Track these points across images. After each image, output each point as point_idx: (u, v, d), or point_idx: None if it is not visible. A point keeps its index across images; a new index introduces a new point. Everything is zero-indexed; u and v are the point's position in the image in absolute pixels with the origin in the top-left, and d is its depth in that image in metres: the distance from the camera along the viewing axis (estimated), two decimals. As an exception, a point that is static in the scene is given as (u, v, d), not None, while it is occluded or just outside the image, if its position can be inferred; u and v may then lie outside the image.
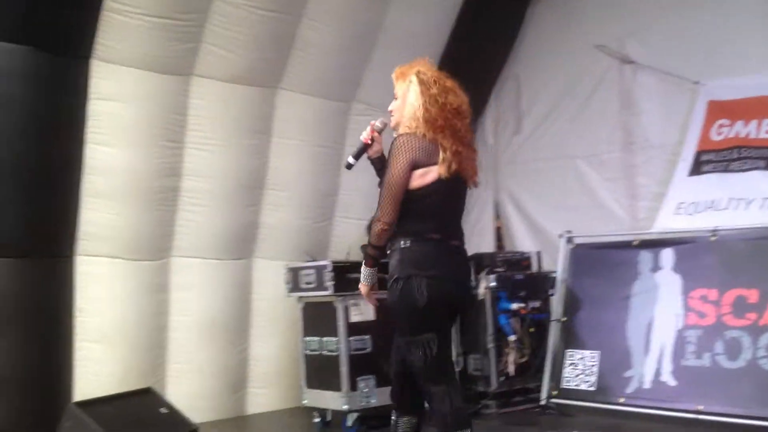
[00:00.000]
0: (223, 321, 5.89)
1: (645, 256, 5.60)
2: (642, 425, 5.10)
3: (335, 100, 6.47)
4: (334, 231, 6.51)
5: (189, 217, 5.73)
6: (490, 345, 5.76)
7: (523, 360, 5.85)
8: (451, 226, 3.38)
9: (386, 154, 3.34)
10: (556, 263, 6.08)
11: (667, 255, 5.49)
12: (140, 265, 5.55)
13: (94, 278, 5.39)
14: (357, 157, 3.43)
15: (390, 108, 3.40)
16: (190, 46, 5.53)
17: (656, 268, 5.53)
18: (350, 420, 5.20)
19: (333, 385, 5.16)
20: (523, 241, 7.17)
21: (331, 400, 5.26)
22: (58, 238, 5.34)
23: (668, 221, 6.04)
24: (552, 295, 6.06)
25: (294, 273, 5.57)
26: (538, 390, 5.80)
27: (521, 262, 6.25)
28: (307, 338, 5.31)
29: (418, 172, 3.21)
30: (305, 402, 5.34)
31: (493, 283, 5.83)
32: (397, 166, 3.19)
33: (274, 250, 6.13)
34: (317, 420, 5.40)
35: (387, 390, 5.13)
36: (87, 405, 4.37)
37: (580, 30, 6.90)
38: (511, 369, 5.78)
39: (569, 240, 6.05)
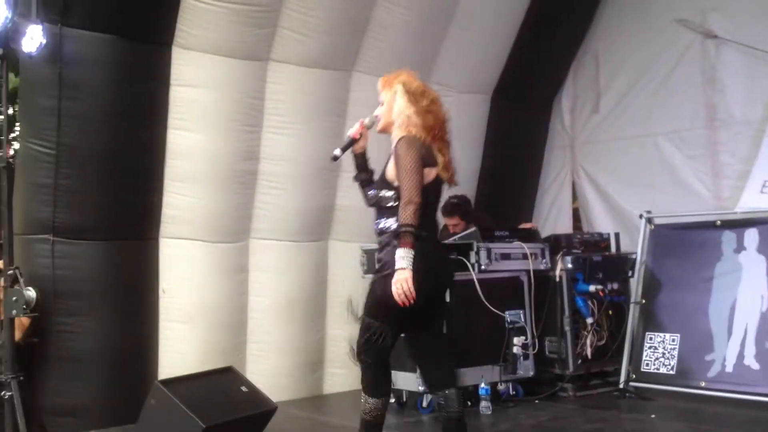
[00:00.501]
0: (300, 302, 5.99)
1: (728, 237, 5.46)
2: (723, 410, 5.00)
3: (410, 81, 6.46)
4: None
5: (267, 199, 5.84)
6: (567, 327, 5.71)
7: (601, 343, 5.79)
8: (435, 224, 3.74)
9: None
10: (636, 244, 5.97)
11: (752, 235, 5.34)
12: (220, 247, 5.69)
13: (177, 260, 5.57)
14: (344, 150, 3.70)
15: (376, 113, 3.66)
16: (266, 31, 5.61)
17: (740, 248, 5.38)
18: (425, 401, 5.24)
19: (408, 366, 5.19)
20: (601, 222, 7.07)
21: (406, 381, 5.30)
22: (143, 222, 5.53)
23: (753, 200, 5.87)
24: (631, 276, 5.96)
25: (369, 255, 5.61)
26: (617, 373, 5.74)
27: (599, 243, 6.16)
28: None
29: (424, 170, 3.45)
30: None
31: (570, 265, 5.76)
32: (411, 156, 3.41)
33: (349, 232, 6.20)
34: (393, 400, 5.45)
35: (463, 371, 5.26)
36: (170, 383, 4.49)
37: (661, 4, 6.73)
38: (588, 352, 5.72)
39: (649, 220, 5.94)
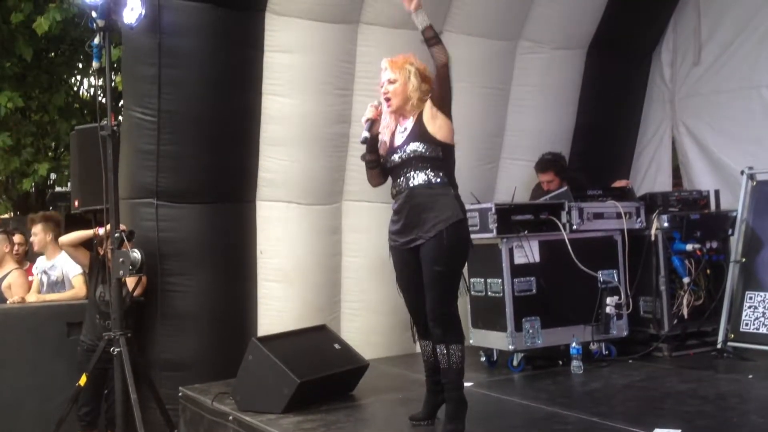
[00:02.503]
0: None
1: (835, 193, 5.21)
2: (826, 371, 4.83)
3: (501, 39, 6.39)
4: (500, 173, 6.51)
5: (359, 162, 5.88)
6: (663, 287, 5.60)
7: (699, 302, 5.65)
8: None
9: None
10: (737, 201, 5.78)
11: None
12: (314, 209, 5.83)
13: (273, 222, 5.74)
14: (369, 132, 3.93)
15: (387, 92, 3.90)
16: (356, -6, 5.65)
17: None
18: (515, 360, 5.28)
19: (498, 325, 5.23)
20: (702, 179, 6.84)
21: (497, 340, 5.34)
22: (240, 185, 5.72)
23: None
24: (731, 235, 5.78)
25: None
26: (715, 333, 5.60)
27: (698, 201, 5.97)
28: (473, 279, 5.39)
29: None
30: (471, 341, 5.45)
31: (666, 224, 5.63)
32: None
33: (440, 193, 6.22)
34: (483, 359, 5.51)
35: (553, 331, 5.28)
36: (267, 340, 4.68)
37: (767, -52, 6.37)
38: (685, 312, 5.60)
39: (751, 176, 5.73)
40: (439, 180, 3.78)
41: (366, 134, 3.89)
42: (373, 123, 3.93)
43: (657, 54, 7.28)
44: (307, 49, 5.68)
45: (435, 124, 3.82)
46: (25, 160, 10.58)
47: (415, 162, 3.79)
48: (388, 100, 3.89)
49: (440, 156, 3.81)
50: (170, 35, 5.36)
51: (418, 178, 3.78)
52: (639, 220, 5.69)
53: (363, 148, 3.98)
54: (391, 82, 3.90)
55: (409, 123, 3.90)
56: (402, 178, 3.82)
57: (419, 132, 3.83)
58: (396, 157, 3.86)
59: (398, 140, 3.90)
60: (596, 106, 6.93)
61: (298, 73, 5.67)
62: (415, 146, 3.80)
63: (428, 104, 3.86)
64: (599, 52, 6.86)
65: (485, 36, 6.27)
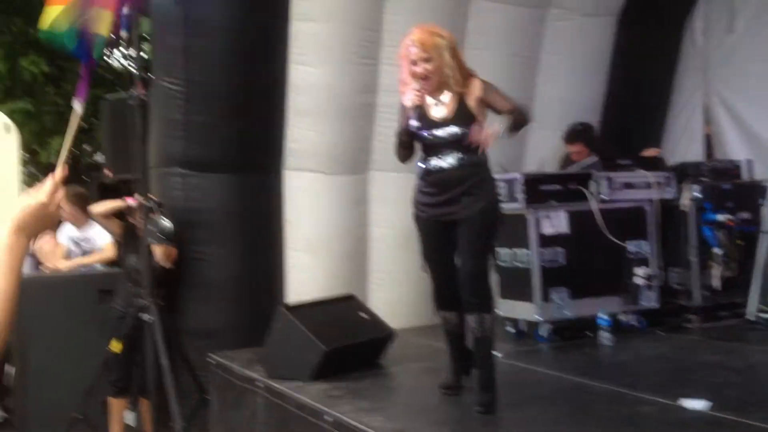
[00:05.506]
0: (419, 232, 6.07)
1: None
2: None
3: (530, 6, 6.32)
4: (528, 142, 6.46)
5: (385, 132, 5.86)
6: (693, 258, 5.54)
7: (730, 274, 5.59)
8: None
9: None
10: (770, 172, 5.70)
11: None
12: (340, 179, 5.83)
13: (300, 192, 5.75)
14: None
15: (422, 71, 3.75)
16: (382, -39, 5.60)
17: None
18: (543, 330, 5.26)
19: (525, 295, 5.21)
20: (735, 149, 6.73)
21: (524, 311, 5.32)
22: (267, 155, 5.73)
23: None
24: (763, 205, 5.68)
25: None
26: (746, 305, 5.54)
27: (730, 171, 5.88)
28: (499, 249, 5.37)
29: None
30: (499, 312, 5.43)
31: (697, 194, 5.56)
32: None
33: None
34: (511, 330, 5.50)
35: (582, 302, 5.25)
36: (294, 308, 4.69)
37: None
38: (716, 283, 5.54)
39: (786, 146, 5.63)
40: (476, 158, 3.78)
41: (416, 123, 3.82)
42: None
43: (689, 21, 7.14)
44: (332, 17, 5.65)
45: (481, 112, 3.80)
46: (44, 128, 10.51)
47: (455, 142, 3.77)
48: (424, 78, 3.79)
49: None
50: (197, 5, 5.38)
51: (458, 156, 3.76)
52: (669, 190, 5.62)
53: (389, 117, 3.96)
54: (425, 60, 3.78)
55: (444, 98, 3.83)
56: (440, 154, 3.80)
57: (463, 113, 3.78)
58: (435, 133, 3.81)
59: (435, 114, 3.84)
60: (627, 74, 6.83)
61: (323, 41, 5.65)
62: (457, 129, 3.75)
63: (478, 86, 3.80)
64: (630, 19, 6.75)
65: (514, 3, 6.20)
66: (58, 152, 10.81)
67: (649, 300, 5.48)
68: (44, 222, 1.77)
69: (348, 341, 4.60)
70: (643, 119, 7.05)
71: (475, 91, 3.78)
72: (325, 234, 5.77)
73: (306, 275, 5.72)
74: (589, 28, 6.53)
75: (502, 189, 5.18)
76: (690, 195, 5.56)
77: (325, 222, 5.78)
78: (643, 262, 5.45)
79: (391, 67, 5.78)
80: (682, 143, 7.18)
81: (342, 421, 3.63)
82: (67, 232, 6.48)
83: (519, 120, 3.80)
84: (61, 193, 1.80)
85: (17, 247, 1.69)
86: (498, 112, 3.80)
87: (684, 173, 5.72)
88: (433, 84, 3.80)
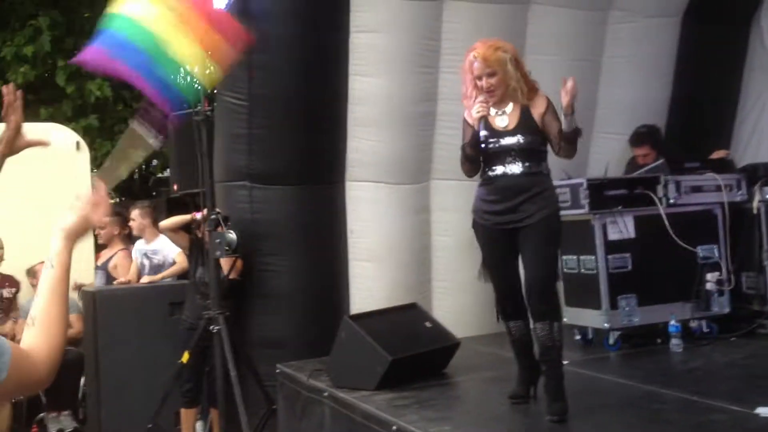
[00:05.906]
0: (482, 241, 6.04)
1: None
2: None
3: (591, 9, 6.23)
4: (592, 147, 6.37)
5: (446, 140, 5.87)
6: (766, 262, 5.38)
7: (805, 278, 5.42)
8: None
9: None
10: None
11: None
12: (402, 188, 5.84)
13: (362, 202, 5.79)
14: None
15: (486, 86, 3.80)
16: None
17: None
18: (612, 338, 5.17)
19: (592, 303, 5.13)
20: (809, 149, 6.53)
21: (591, 319, 5.24)
22: (330, 166, 5.78)
23: None
24: (838, 206, 5.50)
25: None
26: (823, 310, 5.36)
27: (803, 171, 5.70)
28: (565, 257, 5.30)
29: None
30: (565, 320, 5.35)
31: (768, 196, 5.41)
32: None
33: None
34: (578, 337, 5.42)
35: (651, 309, 5.14)
36: (359, 318, 4.73)
37: None
38: (790, 287, 5.38)
39: None
40: (540, 168, 3.86)
41: (485, 132, 3.86)
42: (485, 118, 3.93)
43: (756, 19, 6.96)
44: (391, 28, 5.68)
45: (549, 125, 3.84)
46: (114, 146, 10.85)
47: (520, 151, 3.81)
48: (490, 92, 3.83)
49: (544, 149, 3.90)
50: (259, 20, 5.45)
51: (522, 165, 3.81)
52: (740, 192, 5.47)
53: (450, 126, 3.98)
54: (490, 75, 3.81)
55: (509, 108, 3.88)
56: (504, 164, 3.83)
57: (528, 123, 3.84)
58: (500, 143, 3.84)
59: (500, 123, 3.87)
60: (692, 75, 6.68)
61: (383, 52, 5.69)
62: (522, 138, 3.81)
63: (544, 103, 3.87)
64: (695, 19, 6.61)
65: (574, 6, 6.13)
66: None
67: (721, 305, 5.34)
68: (84, 235, 1.86)
69: (413, 350, 4.60)
70: (711, 121, 6.88)
71: (540, 107, 3.85)
72: (387, 243, 5.79)
73: (369, 285, 5.74)
74: (653, 29, 6.41)
75: (565, 195, 5.14)
76: (761, 197, 5.41)
77: (387, 231, 5.80)
78: (714, 266, 5.32)
79: (451, 75, 5.80)
80: (752, 144, 6.99)
81: (409, 431, 3.63)
82: (138, 246, 6.66)
83: (568, 145, 3.87)
84: (105, 207, 1.87)
85: (65, 257, 1.79)
86: (549, 134, 3.84)
87: (754, 175, 5.55)
88: (498, 96, 3.84)
